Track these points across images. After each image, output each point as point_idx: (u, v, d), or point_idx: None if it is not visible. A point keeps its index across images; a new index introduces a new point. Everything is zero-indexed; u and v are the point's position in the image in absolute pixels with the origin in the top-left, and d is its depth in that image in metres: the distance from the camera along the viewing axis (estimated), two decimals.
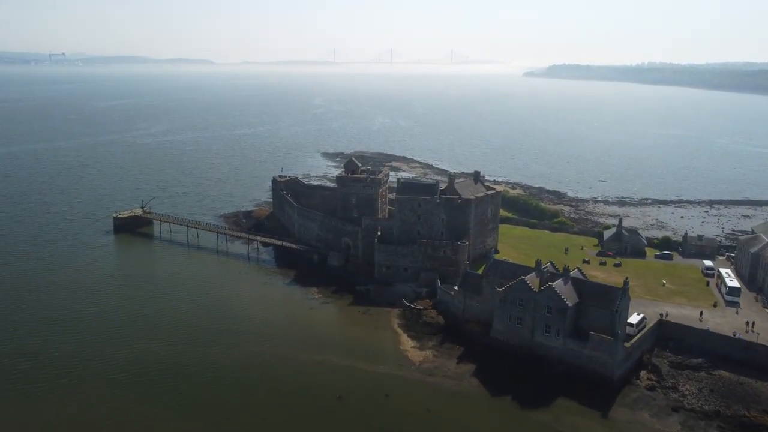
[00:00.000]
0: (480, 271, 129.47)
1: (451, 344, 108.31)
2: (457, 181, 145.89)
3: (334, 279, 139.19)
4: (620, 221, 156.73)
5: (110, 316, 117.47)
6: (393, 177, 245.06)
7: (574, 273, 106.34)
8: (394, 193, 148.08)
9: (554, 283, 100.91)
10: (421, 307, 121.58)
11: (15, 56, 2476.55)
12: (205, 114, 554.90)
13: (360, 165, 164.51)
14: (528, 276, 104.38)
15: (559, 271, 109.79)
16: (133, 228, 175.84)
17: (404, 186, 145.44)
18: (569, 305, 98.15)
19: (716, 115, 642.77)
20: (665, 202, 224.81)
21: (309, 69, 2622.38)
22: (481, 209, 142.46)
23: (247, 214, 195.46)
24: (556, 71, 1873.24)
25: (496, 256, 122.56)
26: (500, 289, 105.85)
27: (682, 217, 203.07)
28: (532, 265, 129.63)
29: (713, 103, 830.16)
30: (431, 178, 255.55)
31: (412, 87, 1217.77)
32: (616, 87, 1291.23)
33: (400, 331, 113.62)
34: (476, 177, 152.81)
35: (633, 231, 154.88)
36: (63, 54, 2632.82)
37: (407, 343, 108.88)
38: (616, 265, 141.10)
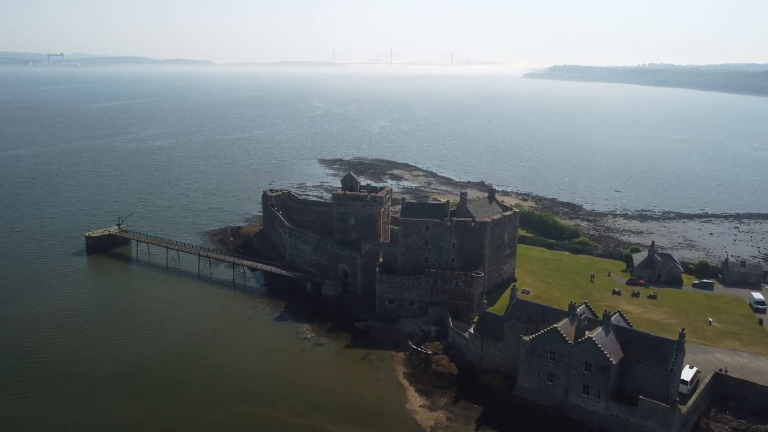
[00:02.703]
0: (497, 307, 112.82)
1: (468, 402, 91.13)
2: (470, 201, 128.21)
3: (329, 312, 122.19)
4: (653, 244, 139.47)
5: (64, 365, 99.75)
6: (395, 187, 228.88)
7: (615, 318, 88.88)
8: (398, 206, 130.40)
9: (594, 333, 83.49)
10: (430, 352, 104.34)
11: (13, 56, 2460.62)
12: (200, 117, 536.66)
13: (359, 181, 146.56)
14: (561, 323, 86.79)
15: (596, 314, 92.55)
16: (107, 248, 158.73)
17: (410, 207, 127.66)
18: (613, 362, 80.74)
19: (726, 118, 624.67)
20: (690, 216, 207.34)
21: (309, 70, 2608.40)
22: (498, 233, 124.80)
23: (236, 231, 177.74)
24: (557, 72, 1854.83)
25: (513, 285, 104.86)
26: (527, 338, 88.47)
27: (711, 233, 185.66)
28: (557, 297, 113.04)
29: (719, 106, 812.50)
30: (436, 189, 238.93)
31: (412, 88, 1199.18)
32: (617, 88, 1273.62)
33: (405, 383, 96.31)
34: (491, 196, 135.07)
35: (667, 256, 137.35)
36: (62, 54, 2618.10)
37: (415, 400, 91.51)
38: (650, 297, 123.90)
